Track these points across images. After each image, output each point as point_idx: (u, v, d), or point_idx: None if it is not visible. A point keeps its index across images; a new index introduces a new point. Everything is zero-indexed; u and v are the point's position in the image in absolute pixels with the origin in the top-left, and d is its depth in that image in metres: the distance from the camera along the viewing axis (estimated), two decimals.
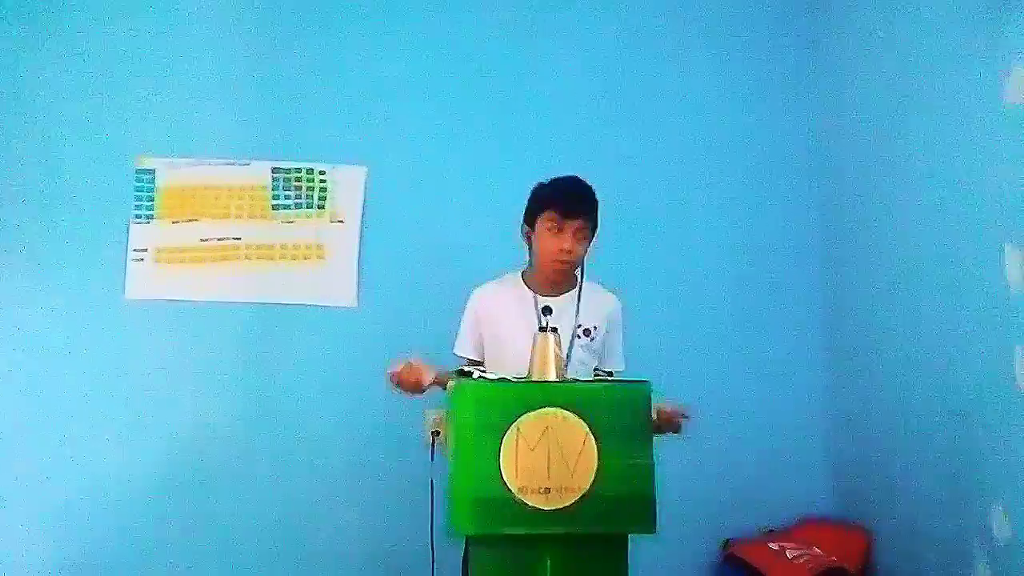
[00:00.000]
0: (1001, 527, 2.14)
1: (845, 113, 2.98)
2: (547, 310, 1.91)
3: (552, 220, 2.02)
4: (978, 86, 2.22)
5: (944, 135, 2.39)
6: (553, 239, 2.03)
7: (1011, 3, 2.11)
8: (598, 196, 2.08)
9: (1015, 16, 2.10)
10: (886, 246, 2.71)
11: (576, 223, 2.01)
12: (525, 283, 2.13)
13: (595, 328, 2.10)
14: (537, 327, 2.01)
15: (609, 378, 2.07)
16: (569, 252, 2.02)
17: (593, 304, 2.11)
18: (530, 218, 2.07)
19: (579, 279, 2.13)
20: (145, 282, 2.89)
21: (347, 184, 2.97)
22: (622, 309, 2.17)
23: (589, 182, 2.08)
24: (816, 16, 3.14)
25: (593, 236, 2.08)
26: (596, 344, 2.11)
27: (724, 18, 3.19)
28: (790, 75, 3.17)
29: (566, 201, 2.02)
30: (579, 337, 2.03)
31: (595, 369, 2.12)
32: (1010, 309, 2.10)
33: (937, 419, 2.40)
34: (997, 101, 2.14)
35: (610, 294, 2.17)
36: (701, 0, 3.20)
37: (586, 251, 2.07)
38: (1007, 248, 2.11)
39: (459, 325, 2.17)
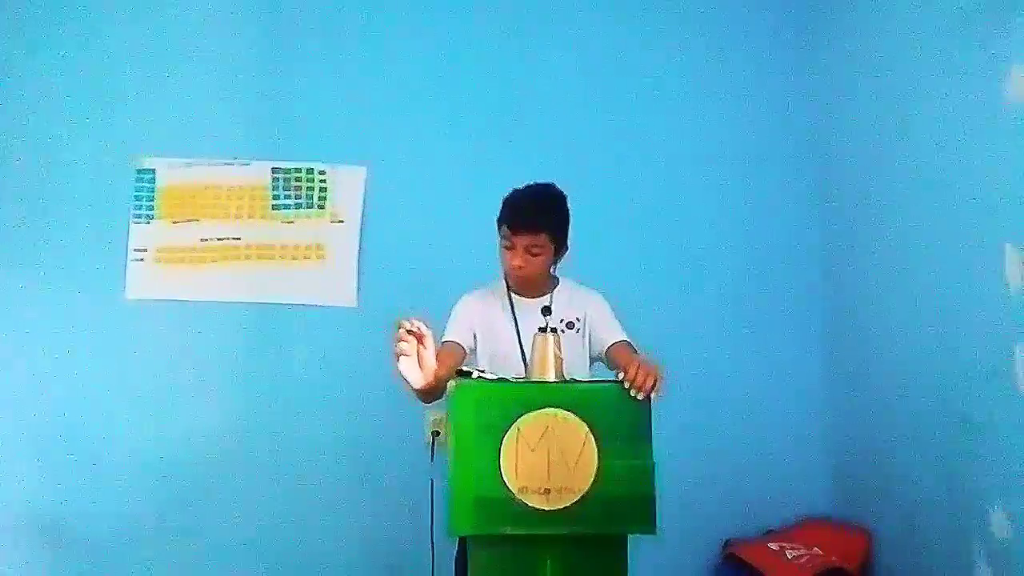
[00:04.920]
0: (1001, 527, 2.14)
1: (844, 113, 2.97)
2: (547, 310, 1.91)
3: (505, 235, 2.05)
4: (978, 86, 2.22)
5: (944, 135, 2.39)
6: (507, 253, 2.06)
7: (1011, 3, 2.11)
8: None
9: (1015, 16, 2.10)
10: (886, 246, 2.71)
11: (526, 239, 2.01)
12: (507, 284, 2.15)
13: (578, 319, 2.12)
14: (515, 329, 2.07)
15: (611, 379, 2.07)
16: (519, 268, 2.04)
17: (573, 300, 2.14)
18: (497, 225, 2.09)
19: (556, 280, 2.16)
20: (145, 282, 2.89)
21: (347, 184, 2.97)
22: (604, 298, 2.18)
23: (565, 188, 2.09)
24: (815, 16, 3.14)
25: (558, 249, 2.08)
26: (583, 335, 2.12)
27: (722, 16, 3.18)
28: (789, 75, 3.16)
29: (514, 218, 2.02)
30: (563, 331, 2.03)
31: (606, 353, 2.11)
32: (1010, 309, 2.10)
33: (937, 419, 2.40)
34: (997, 101, 2.14)
35: (588, 289, 2.19)
36: None
37: (545, 265, 2.08)
38: (1007, 248, 2.11)
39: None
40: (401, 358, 1.80)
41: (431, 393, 1.94)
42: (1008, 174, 2.12)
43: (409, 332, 1.79)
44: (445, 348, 2.06)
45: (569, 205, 2.10)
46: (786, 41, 3.18)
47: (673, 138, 3.11)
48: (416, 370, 1.83)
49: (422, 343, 1.81)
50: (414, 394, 1.93)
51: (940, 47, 2.41)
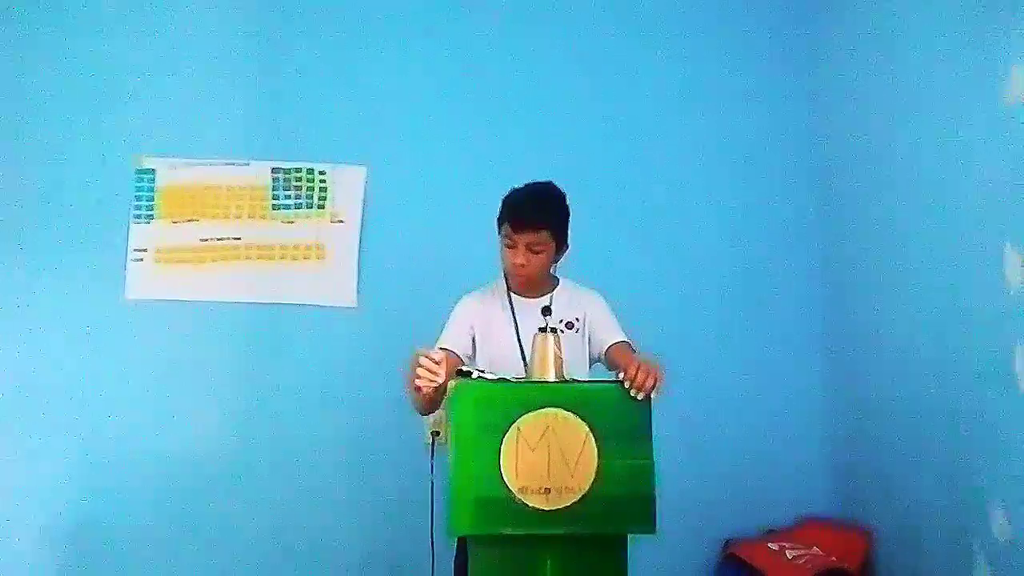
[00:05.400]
0: (1001, 527, 2.14)
1: (845, 112, 2.98)
2: (547, 310, 1.91)
3: (506, 234, 2.04)
4: (978, 86, 2.22)
5: (944, 135, 2.39)
6: (508, 251, 2.06)
7: (1011, 3, 2.11)
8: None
9: (1015, 16, 2.10)
10: (886, 246, 2.71)
11: (527, 238, 2.01)
12: (507, 284, 2.15)
13: (577, 320, 2.12)
14: (514, 328, 2.07)
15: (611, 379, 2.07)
16: (522, 266, 2.04)
17: (573, 300, 2.14)
18: (497, 225, 2.09)
19: (556, 280, 2.16)
20: (145, 282, 2.89)
21: (347, 184, 2.97)
22: (604, 299, 2.18)
23: (563, 187, 2.09)
24: (816, 15, 3.14)
25: (559, 247, 2.08)
26: (583, 336, 2.12)
27: (722, 17, 3.19)
28: (789, 74, 3.16)
29: (516, 216, 2.02)
30: (563, 331, 2.02)
31: (605, 354, 2.11)
32: (1010, 309, 2.10)
33: (937, 419, 2.40)
34: (997, 101, 2.14)
35: (588, 290, 2.19)
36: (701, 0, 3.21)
37: (547, 263, 2.08)
38: (1007, 248, 2.11)
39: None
40: (422, 391, 1.80)
41: (431, 406, 1.97)
42: (1008, 174, 2.12)
43: (429, 359, 1.79)
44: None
45: (569, 204, 2.10)
46: (786, 42, 3.18)
47: (673, 138, 3.11)
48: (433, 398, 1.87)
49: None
50: (417, 407, 1.98)
51: (940, 47, 2.42)
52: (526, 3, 3.13)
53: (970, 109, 2.27)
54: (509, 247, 2.05)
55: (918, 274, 2.53)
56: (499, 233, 2.08)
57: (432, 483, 2.30)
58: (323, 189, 2.97)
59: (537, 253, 2.03)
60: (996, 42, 2.16)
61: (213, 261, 2.92)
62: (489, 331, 2.13)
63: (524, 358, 2.02)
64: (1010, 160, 2.11)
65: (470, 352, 2.13)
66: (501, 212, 2.07)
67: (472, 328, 2.13)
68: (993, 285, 2.14)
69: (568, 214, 2.10)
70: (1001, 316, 2.13)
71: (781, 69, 3.17)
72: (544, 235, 2.02)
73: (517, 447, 1.66)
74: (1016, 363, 2.07)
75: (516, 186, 2.08)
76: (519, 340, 2.07)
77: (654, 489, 1.68)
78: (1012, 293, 2.10)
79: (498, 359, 2.09)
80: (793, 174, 3.13)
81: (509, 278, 2.14)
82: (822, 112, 3.10)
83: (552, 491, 1.66)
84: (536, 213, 2.02)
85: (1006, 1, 2.13)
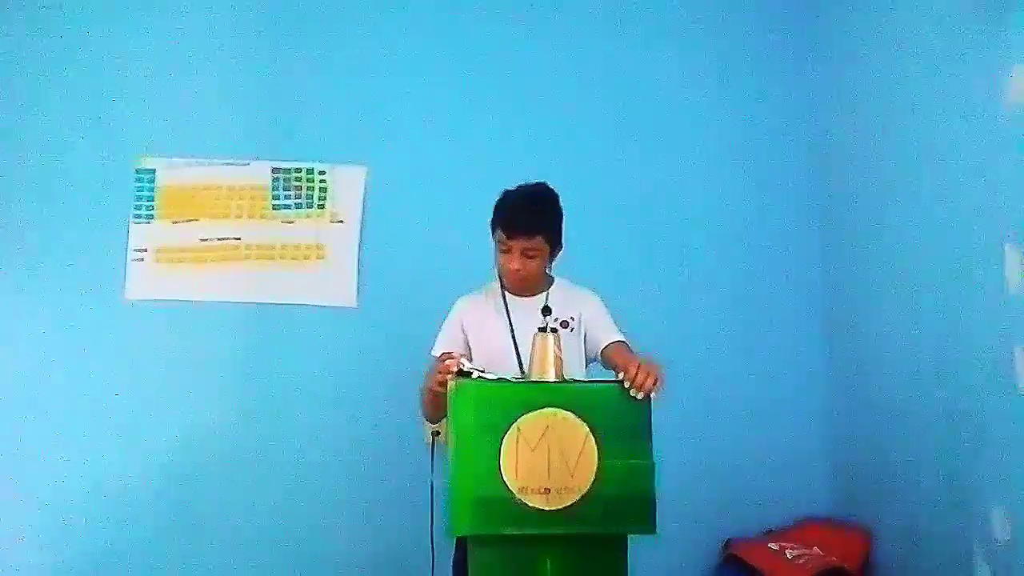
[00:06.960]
0: (1001, 527, 2.14)
1: (845, 112, 2.98)
2: (547, 310, 1.91)
3: (501, 239, 2.04)
4: (978, 86, 2.22)
5: (944, 135, 2.39)
6: (503, 256, 2.05)
7: (1011, 3, 2.11)
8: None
9: (1015, 16, 2.10)
10: (886, 246, 2.71)
11: (522, 243, 2.01)
12: (502, 284, 2.15)
13: (572, 319, 2.10)
14: (508, 327, 2.07)
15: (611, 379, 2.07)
16: (517, 271, 2.04)
17: (568, 299, 2.12)
18: (491, 228, 2.08)
19: (551, 279, 2.15)
20: (145, 282, 2.89)
21: (347, 184, 2.97)
22: (600, 298, 2.17)
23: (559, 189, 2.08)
24: (816, 15, 3.14)
25: (553, 250, 2.08)
26: (578, 334, 2.11)
27: (724, 13, 3.19)
28: (790, 74, 3.17)
29: (510, 222, 2.01)
30: (557, 330, 2.02)
31: (602, 353, 2.10)
32: (1010, 309, 2.11)
33: (937, 419, 2.40)
34: (997, 101, 2.14)
35: (583, 289, 2.18)
36: None
37: (543, 266, 2.08)
38: (1007, 248, 2.11)
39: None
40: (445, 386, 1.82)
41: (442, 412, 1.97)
42: (1008, 174, 2.12)
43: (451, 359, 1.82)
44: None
45: (564, 204, 2.09)
46: (787, 41, 3.18)
47: (674, 138, 3.11)
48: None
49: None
50: (428, 412, 2.01)
51: (940, 48, 2.42)
52: (525, 3, 3.13)
53: (970, 109, 2.27)
54: (504, 252, 2.04)
55: (918, 274, 2.53)
56: (492, 236, 2.08)
57: (432, 483, 2.30)
58: (323, 189, 2.97)
59: (532, 258, 2.03)
60: (996, 42, 2.16)
61: (213, 261, 2.92)
62: (483, 331, 2.12)
63: (519, 357, 2.02)
64: (1010, 160, 2.11)
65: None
66: (494, 216, 2.06)
67: (464, 331, 2.13)
68: (993, 285, 2.15)
69: (562, 216, 2.09)
70: (1001, 316, 2.13)
71: (781, 69, 3.17)
72: (538, 240, 2.02)
73: (517, 447, 1.67)
74: (1016, 363, 2.07)
75: (509, 188, 2.08)
76: (514, 340, 2.07)
77: (654, 489, 1.69)
78: (1012, 293, 2.10)
79: (493, 359, 2.08)
80: (793, 174, 3.13)
81: (503, 279, 2.14)
82: (822, 112, 3.10)
83: (552, 491, 1.66)
84: (531, 219, 2.01)
85: (1006, 1, 2.13)
